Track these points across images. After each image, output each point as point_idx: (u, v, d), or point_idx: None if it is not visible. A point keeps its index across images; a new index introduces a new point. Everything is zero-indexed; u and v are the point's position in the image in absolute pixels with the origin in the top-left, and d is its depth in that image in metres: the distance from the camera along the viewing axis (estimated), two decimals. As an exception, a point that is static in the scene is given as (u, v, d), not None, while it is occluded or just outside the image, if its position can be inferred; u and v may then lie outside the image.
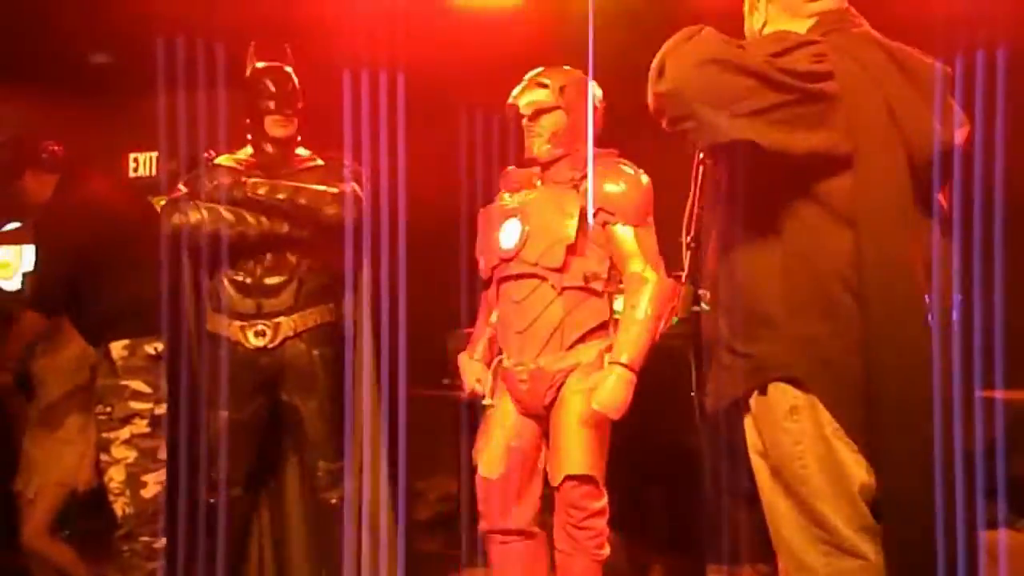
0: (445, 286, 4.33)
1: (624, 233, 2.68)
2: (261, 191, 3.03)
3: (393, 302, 3.21)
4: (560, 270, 2.71)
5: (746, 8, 2.02)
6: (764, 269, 1.83)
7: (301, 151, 3.22)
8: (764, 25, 1.95)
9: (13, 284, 5.42)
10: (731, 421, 1.96)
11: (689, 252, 2.00)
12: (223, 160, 3.17)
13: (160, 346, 3.55)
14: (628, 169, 2.75)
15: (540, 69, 2.81)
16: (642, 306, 2.61)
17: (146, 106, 4.04)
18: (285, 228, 3.04)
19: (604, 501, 2.69)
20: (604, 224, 2.69)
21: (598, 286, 2.71)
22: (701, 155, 1.97)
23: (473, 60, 4.90)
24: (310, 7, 4.86)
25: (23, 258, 5.50)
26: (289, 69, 3.23)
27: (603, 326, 2.74)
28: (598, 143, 2.80)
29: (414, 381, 4.22)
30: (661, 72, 1.73)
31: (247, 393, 3.09)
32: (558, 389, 2.72)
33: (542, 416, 2.77)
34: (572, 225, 2.70)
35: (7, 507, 3.96)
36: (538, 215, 2.76)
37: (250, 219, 3.02)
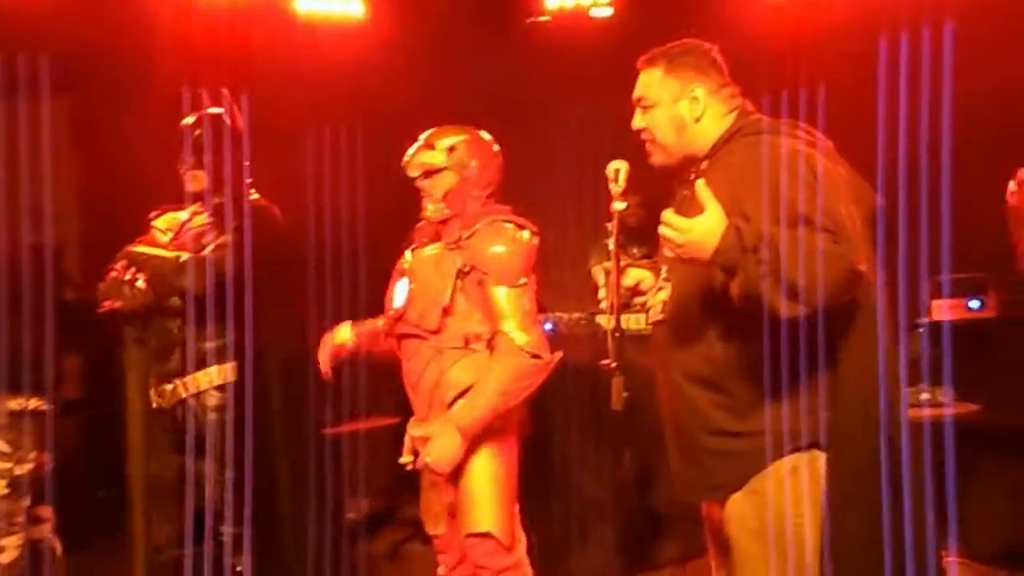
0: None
1: (497, 292, 2.69)
2: (119, 264, 3.15)
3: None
4: (436, 331, 2.73)
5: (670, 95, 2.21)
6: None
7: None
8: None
9: None
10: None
11: (615, 341, 2.12)
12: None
13: (30, 403, 3.36)
14: (509, 227, 2.75)
15: (432, 130, 2.84)
16: (495, 376, 2.65)
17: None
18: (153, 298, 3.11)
19: (513, 558, 2.70)
20: (480, 283, 2.72)
21: (479, 346, 2.72)
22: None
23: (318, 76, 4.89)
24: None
25: None
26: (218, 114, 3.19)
27: None
28: (496, 197, 2.84)
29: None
30: None
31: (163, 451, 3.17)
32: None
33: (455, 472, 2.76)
34: (447, 287, 2.73)
35: None
36: (421, 275, 2.81)
37: (126, 292, 3.10)
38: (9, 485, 3.35)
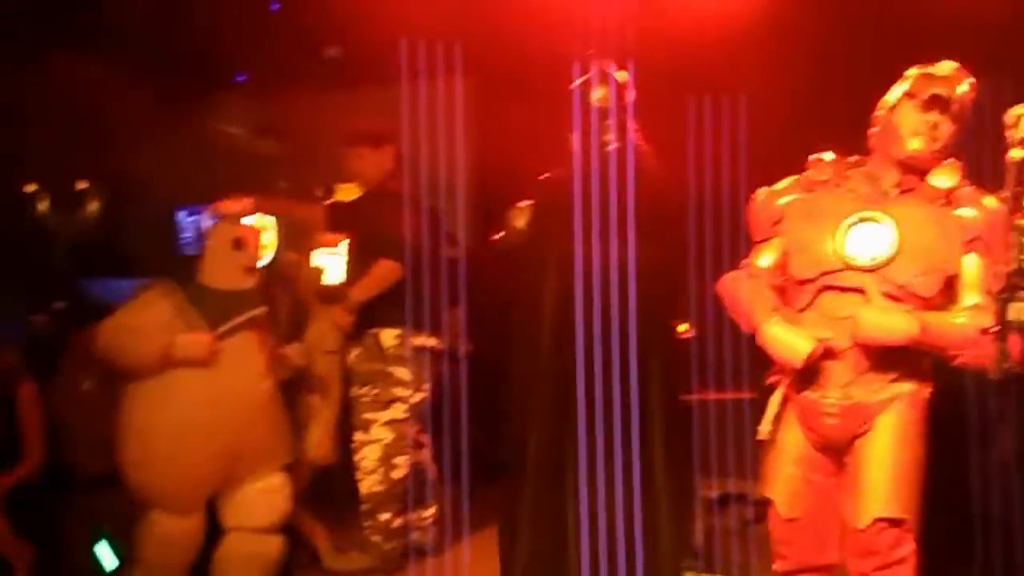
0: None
1: (978, 263, 2.43)
2: None
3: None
4: (926, 300, 2.42)
5: None
6: None
7: None
8: None
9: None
10: None
11: (1000, 304, 1.92)
12: None
13: (429, 341, 3.87)
14: (982, 194, 2.49)
15: (950, 62, 2.50)
16: (969, 322, 2.36)
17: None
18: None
19: (911, 548, 2.42)
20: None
21: None
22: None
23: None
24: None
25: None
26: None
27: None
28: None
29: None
30: None
31: None
32: (870, 423, 2.46)
33: (842, 449, 2.51)
34: (955, 254, 2.42)
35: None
36: (916, 231, 2.44)
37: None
38: (408, 410, 3.84)
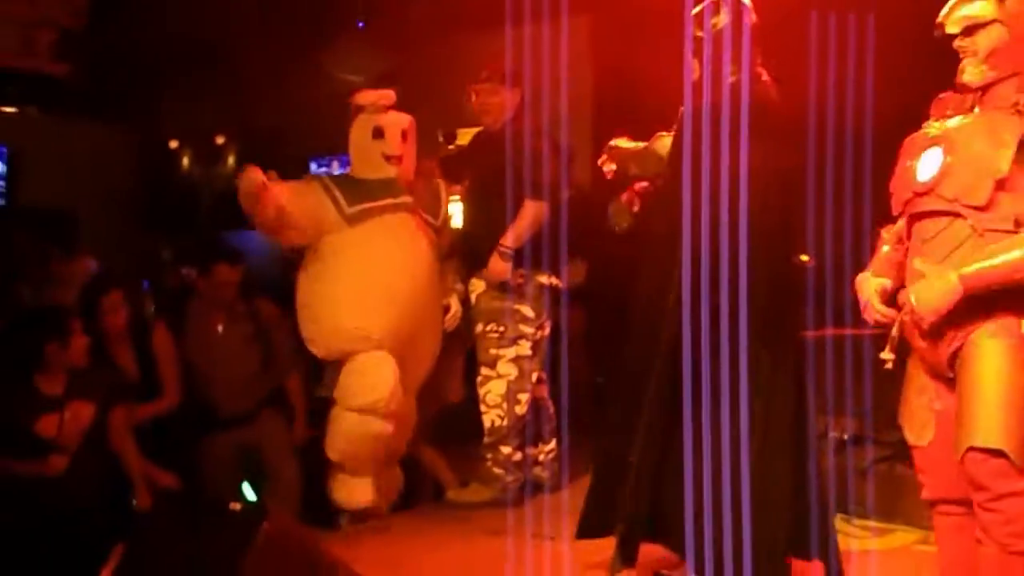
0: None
1: None
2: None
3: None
4: (983, 208, 2.32)
5: None
6: None
7: None
8: None
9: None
10: None
11: None
12: None
13: (551, 279, 3.91)
14: None
15: None
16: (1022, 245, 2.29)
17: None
18: None
19: None
20: None
21: None
22: None
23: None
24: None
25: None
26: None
27: None
28: None
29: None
30: None
31: None
32: (960, 345, 2.38)
33: (946, 375, 2.45)
34: (1006, 156, 2.31)
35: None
36: (965, 145, 2.39)
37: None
38: (532, 347, 3.90)
